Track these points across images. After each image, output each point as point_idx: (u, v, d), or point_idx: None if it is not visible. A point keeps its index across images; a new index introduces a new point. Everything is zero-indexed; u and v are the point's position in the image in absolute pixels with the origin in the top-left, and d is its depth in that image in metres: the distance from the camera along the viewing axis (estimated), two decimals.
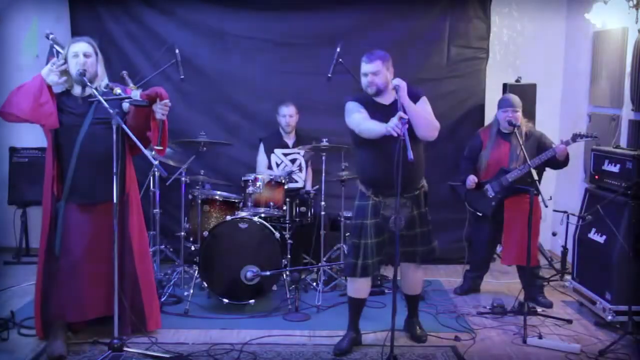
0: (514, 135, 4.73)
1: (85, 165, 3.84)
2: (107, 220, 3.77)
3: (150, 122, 3.88)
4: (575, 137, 4.50)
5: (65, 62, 3.86)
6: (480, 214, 4.94)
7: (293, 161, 5.48)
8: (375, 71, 3.84)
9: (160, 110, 3.84)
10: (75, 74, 3.81)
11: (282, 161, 5.48)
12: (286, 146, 5.51)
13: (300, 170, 5.45)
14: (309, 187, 5.49)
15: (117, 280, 3.70)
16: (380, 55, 3.88)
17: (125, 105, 3.95)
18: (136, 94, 3.82)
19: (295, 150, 5.47)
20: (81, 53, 3.86)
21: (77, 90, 3.94)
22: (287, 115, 5.43)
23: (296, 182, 5.40)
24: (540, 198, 4.33)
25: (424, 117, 3.79)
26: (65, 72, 3.85)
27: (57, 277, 3.91)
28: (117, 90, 3.81)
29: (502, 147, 4.84)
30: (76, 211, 3.92)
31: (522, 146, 4.60)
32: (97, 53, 3.95)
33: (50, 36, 4.05)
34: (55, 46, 4.03)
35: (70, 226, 3.91)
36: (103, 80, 3.94)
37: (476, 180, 4.86)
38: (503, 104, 4.84)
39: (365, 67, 3.88)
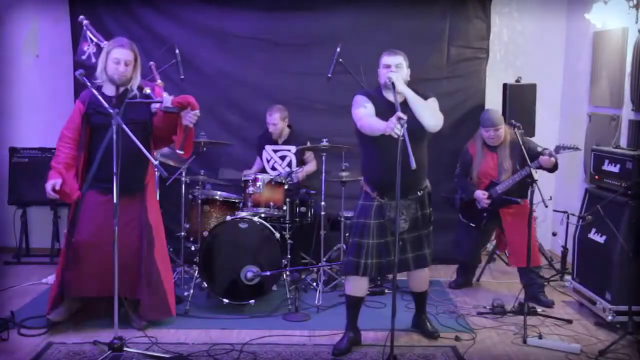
0: (500, 148, 4.87)
1: (110, 162, 3.83)
2: (126, 210, 4.01)
3: (177, 127, 4.00)
4: (558, 149, 4.57)
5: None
6: (473, 225, 5.06)
7: (282, 158, 5.48)
8: (398, 63, 3.86)
9: (189, 118, 3.95)
10: (114, 78, 4.00)
11: (272, 157, 5.49)
12: (276, 142, 5.52)
13: (290, 167, 5.43)
14: (298, 172, 5.35)
15: (116, 275, 3.74)
16: (402, 52, 3.95)
17: (155, 105, 4.04)
18: (168, 99, 3.94)
19: (285, 147, 5.48)
20: (123, 61, 4.00)
21: (109, 90, 4.04)
22: (271, 124, 5.43)
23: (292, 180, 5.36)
24: (540, 198, 4.32)
25: (425, 104, 3.80)
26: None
27: (74, 258, 4.10)
28: (147, 91, 3.94)
29: (489, 159, 4.94)
30: (97, 200, 4.08)
31: (509, 157, 4.80)
32: (138, 58, 4.08)
33: (85, 22, 4.12)
34: (89, 33, 4.10)
35: (91, 214, 4.09)
36: (135, 82, 4.06)
37: (487, 194, 4.91)
38: (485, 123, 4.89)
39: (388, 59, 3.90)
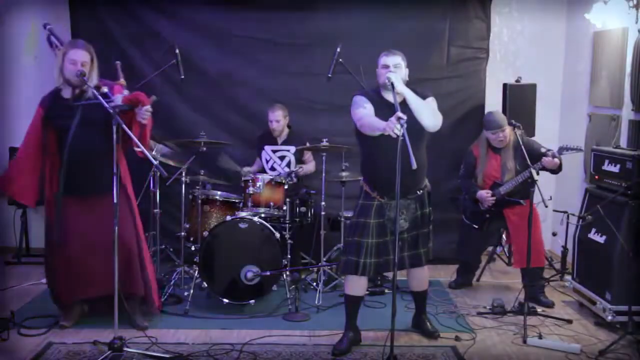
0: (504, 149, 4.89)
1: (77, 162, 4.00)
2: (108, 210, 3.94)
3: (132, 125, 3.98)
4: (561, 150, 4.57)
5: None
6: (476, 227, 5.08)
7: (282, 158, 5.48)
8: (396, 63, 3.86)
9: (141, 115, 3.96)
10: (74, 78, 3.96)
11: (271, 157, 5.49)
12: (275, 142, 5.52)
13: (289, 168, 5.44)
14: (298, 170, 5.31)
15: (117, 275, 3.74)
16: (400, 52, 3.95)
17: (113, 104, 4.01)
18: (119, 98, 3.92)
19: (284, 147, 5.48)
20: (79, 62, 3.99)
21: (66, 92, 4.07)
22: (273, 120, 5.44)
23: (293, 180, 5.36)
24: (540, 198, 4.33)
25: (424, 104, 3.80)
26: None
27: (64, 265, 4.14)
28: (104, 89, 3.91)
29: (493, 161, 4.96)
30: (75, 203, 4.10)
31: (513, 157, 4.82)
32: (94, 59, 4.08)
33: (48, 27, 4.15)
34: (52, 37, 4.12)
35: (72, 221, 4.09)
36: (91, 83, 4.01)
37: (490, 192, 4.93)
38: (491, 126, 4.88)
39: (387, 59, 3.89)
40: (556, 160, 4.57)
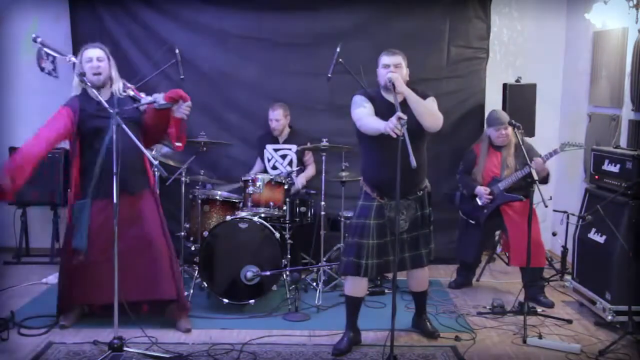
0: (505, 147, 4.92)
1: (112, 163, 3.82)
2: (145, 209, 4.12)
3: (169, 122, 4.06)
4: (563, 147, 4.62)
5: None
6: (474, 222, 5.07)
7: (283, 157, 5.48)
8: (397, 63, 3.86)
9: (183, 111, 4.05)
10: (91, 78, 4.00)
11: (273, 156, 5.49)
12: (277, 141, 5.52)
13: (291, 166, 5.44)
14: (299, 183, 5.35)
15: (117, 277, 3.72)
16: (400, 52, 3.95)
17: (156, 104, 4.08)
18: (159, 97, 4.00)
19: (286, 146, 5.49)
20: (95, 58, 4.05)
21: (103, 94, 4.05)
22: (274, 119, 5.44)
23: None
24: (540, 198, 4.33)
25: (424, 105, 3.80)
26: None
27: (87, 271, 4.10)
28: (130, 92, 4.08)
29: (494, 158, 4.98)
30: (102, 207, 4.04)
31: (513, 155, 4.85)
32: (110, 58, 4.14)
33: (38, 40, 4.17)
34: (45, 49, 4.15)
35: (96, 222, 4.05)
36: (118, 84, 4.11)
37: (488, 190, 4.94)
38: (494, 122, 4.91)
39: (387, 59, 3.89)
40: (546, 167, 4.63)
